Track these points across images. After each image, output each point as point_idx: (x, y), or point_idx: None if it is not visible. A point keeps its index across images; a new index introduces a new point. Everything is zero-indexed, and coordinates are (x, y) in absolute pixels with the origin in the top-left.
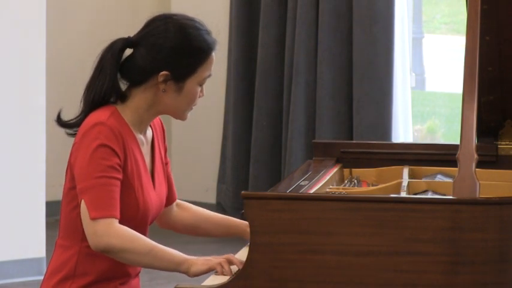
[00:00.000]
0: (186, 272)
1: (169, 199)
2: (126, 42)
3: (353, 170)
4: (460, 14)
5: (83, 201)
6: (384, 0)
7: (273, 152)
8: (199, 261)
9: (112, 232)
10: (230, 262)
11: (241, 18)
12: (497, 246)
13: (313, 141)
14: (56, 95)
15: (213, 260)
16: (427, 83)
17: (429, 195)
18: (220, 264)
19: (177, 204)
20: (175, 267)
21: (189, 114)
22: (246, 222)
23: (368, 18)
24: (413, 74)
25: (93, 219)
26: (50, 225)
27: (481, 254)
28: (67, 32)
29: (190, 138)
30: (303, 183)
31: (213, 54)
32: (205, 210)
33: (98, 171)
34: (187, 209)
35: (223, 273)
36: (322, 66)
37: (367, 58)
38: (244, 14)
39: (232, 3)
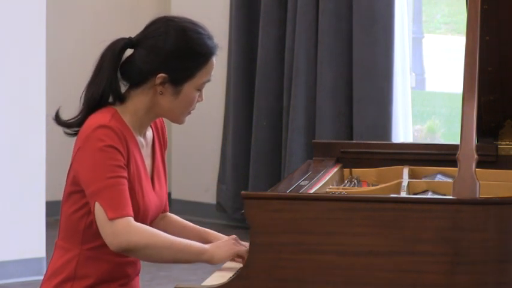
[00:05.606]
0: (209, 261)
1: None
2: (126, 43)
3: (353, 170)
4: (460, 14)
5: (97, 204)
6: (383, 0)
7: (273, 152)
8: (221, 249)
9: (132, 230)
10: None
11: (241, 18)
12: (497, 246)
13: (313, 141)
14: (56, 95)
15: (236, 246)
16: (427, 83)
17: (429, 195)
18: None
19: (164, 217)
20: (197, 258)
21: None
22: (220, 236)
23: (368, 18)
24: (413, 74)
25: (111, 219)
26: (50, 225)
27: (481, 254)
28: (67, 32)
29: (190, 138)
30: (303, 183)
31: (213, 59)
32: (185, 221)
33: (107, 172)
34: (170, 222)
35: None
36: (322, 66)
37: (367, 58)
38: (244, 14)
39: (232, 3)
